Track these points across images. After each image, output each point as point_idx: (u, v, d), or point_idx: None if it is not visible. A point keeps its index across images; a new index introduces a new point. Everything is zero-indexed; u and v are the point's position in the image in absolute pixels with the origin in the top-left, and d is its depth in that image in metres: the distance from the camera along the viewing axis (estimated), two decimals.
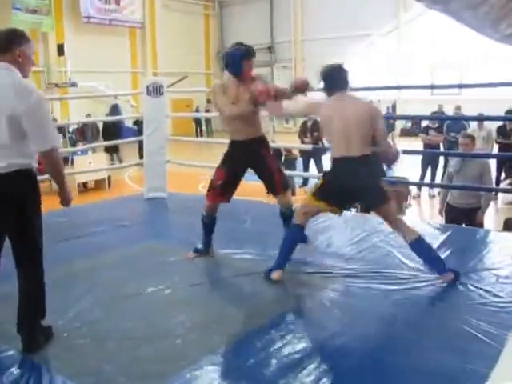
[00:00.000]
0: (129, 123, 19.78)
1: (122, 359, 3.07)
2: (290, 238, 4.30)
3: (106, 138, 16.34)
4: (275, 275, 4.18)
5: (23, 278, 3.21)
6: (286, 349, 3.18)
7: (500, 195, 10.73)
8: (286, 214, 4.70)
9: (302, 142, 12.24)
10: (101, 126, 18.04)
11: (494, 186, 7.72)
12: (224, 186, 4.68)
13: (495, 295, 3.83)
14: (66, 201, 3.40)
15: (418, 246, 4.11)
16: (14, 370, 2.97)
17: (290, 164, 11.47)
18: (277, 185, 4.65)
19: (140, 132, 15.25)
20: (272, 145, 5.32)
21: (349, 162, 4.01)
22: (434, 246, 4.93)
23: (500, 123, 11.65)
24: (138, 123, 16.36)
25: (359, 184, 3.98)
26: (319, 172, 11.93)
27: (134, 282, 4.28)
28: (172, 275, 4.43)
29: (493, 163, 10.37)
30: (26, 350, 3.17)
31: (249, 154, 4.62)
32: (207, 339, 3.30)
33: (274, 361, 3.03)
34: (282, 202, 4.73)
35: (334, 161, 4.11)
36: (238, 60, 4.48)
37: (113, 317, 3.65)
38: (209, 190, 4.77)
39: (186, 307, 3.78)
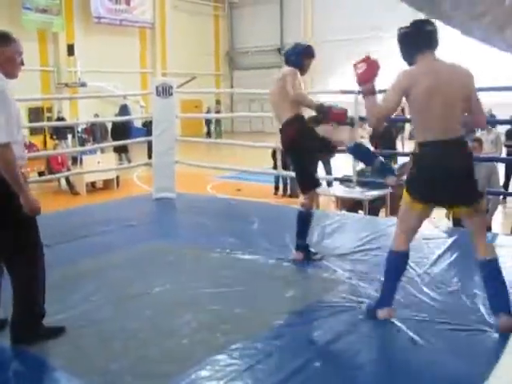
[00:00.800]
0: (138, 124, 19.84)
1: (129, 358, 3.08)
2: (391, 266, 3.57)
3: (114, 138, 16.39)
4: (382, 314, 3.52)
5: (13, 276, 3.25)
6: (292, 350, 3.18)
7: (509, 199, 10.68)
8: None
9: None
10: (110, 126, 18.10)
11: (501, 188, 7.66)
12: None
13: None
14: (27, 208, 3.10)
15: (488, 268, 3.41)
16: (21, 368, 2.99)
17: None
18: None
19: (149, 132, 15.36)
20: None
21: (447, 146, 3.29)
22: (442, 249, 4.93)
23: (509, 127, 11.59)
24: (147, 124, 16.39)
25: (458, 176, 3.30)
26: (327, 174, 11.94)
27: (141, 281, 4.30)
28: (179, 275, 4.45)
29: (501, 167, 10.36)
30: (11, 340, 3.23)
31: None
32: (213, 340, 3.31)
33: (279, 362, 3.03)
34: None
35: (426, 145, 3.33)
36: (299, 54, 4.69)
37: (119, 316, 3.66)
38: None
39: (193, 307, 3.79)
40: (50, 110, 22.31)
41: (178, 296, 4.01)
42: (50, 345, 3.25)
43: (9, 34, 3.26)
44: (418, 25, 3.51)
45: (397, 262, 3.52)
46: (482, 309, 3.64)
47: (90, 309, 3.77)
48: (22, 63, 3.31)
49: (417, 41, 3.44)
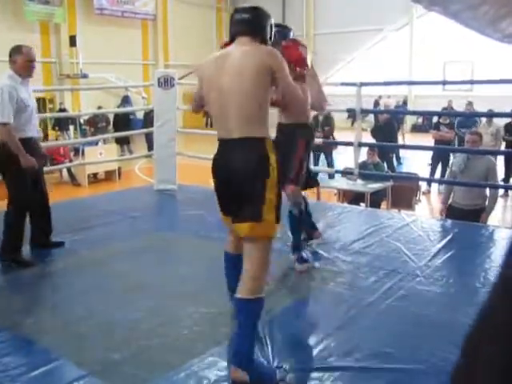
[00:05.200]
0: (140, 115, 19.83)
1: (130, 349, 3.10)
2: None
3: (116, 130, 16.36)
4: None
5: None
6: (293, 341, 3.20)
7: (511, 193, 10.69)
8: (291, 212, 4.37)
9: None
10: (111, 117, 18.07)
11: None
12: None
13: None
14: (24, 163, 4.43)
15: (240, 306, 2.80)
16: (22, 357, 3.01)
17: None
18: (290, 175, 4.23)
19: (145, 124, 15.33)
20: None
21: (226, 146, 2.90)
22: (442, 243, 4.94)
23: (508, 120, 11.57)
24: (145, 115, 16.35)
25: (235, 179, 2.82)
26: (329, 166, 11.95)
27: (143, 272, 4.31)
28: (181, 266, 4.46)
29: (499, 160, 10.35)
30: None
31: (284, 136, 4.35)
32: (214, 331, 3.32)
33: (280, 353, 3.05)
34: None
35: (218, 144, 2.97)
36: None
37: (121, 307, 3.68)
38: None
39: (194, 299, 3.80)
40: (51, 101, 22.28)
41: (180, 287, 4.03)
42: (51, 334, 3.28)
43: (20, 47, 4.50)
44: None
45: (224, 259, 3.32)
46: (483, 301, 3.65)
47: (92, 299, 3.79)
48: (34, 66, 4.56)
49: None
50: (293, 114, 4.18)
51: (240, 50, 2.87)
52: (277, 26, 3.42)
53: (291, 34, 4.17)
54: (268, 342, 3.14)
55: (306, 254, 4.45)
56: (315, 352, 3.04)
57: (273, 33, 3.15)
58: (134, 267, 4.46)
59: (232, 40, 3.04)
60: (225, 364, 2.93)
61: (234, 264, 3.21)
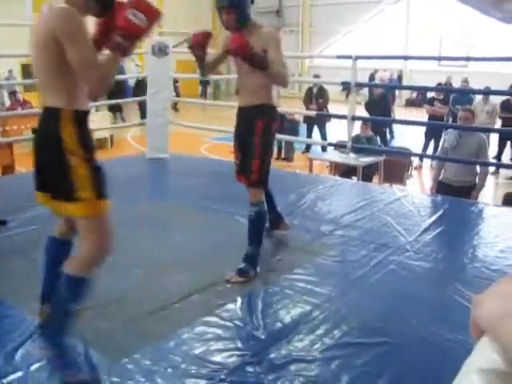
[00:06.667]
0: (133, 83, 19.62)
1: (121, 317, 3.11)
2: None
3: (110, 97, 16.18)
4: None
5: None
6: (282, 313, 3.22)
7: (501, 170, 10.73)
8: (250, 216, 3.82)
9: (307, 108, 12.23)
10: None
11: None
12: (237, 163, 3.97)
13: (489, 269, 3.86)
14: None
15: (64, 281, 2.63)
16: (7, 325, 3.02)
17: (292, 129, 11.45)
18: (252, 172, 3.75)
19: (136, 91, 15.16)
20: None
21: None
22: (432, 218, 4.96)
23: (504, 98, 11.56)
24: (137, 82, 16.17)
25: (37, 154, 2.59)
26: (322, 138, 11.96)
27: (136, 241, 4.31)
28: (173, 236, 4.46)
29: (493, 138, 10.37)
30: None
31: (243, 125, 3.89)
32: (205, 301, 3.34)
33: (268, 325, 3.08)
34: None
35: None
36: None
37: (112, 275, 3.68)
38: None
39: (185, 268, 3.82)
40: None
41: (171, 257, 4.04)
42: (37, 303, 3.27)
43: None
44: None
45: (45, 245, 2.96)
46: (470, 277, 3.70)
47: None
48: None
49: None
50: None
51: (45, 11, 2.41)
52: None
53: None
54: (257, 315, 3.18)
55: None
56: (303, 324, 3.07)
57: None
58: (126, 236, 4.43)
59: None
60: (215, 333, 2.96)
61: (54, 251, 2.92)
